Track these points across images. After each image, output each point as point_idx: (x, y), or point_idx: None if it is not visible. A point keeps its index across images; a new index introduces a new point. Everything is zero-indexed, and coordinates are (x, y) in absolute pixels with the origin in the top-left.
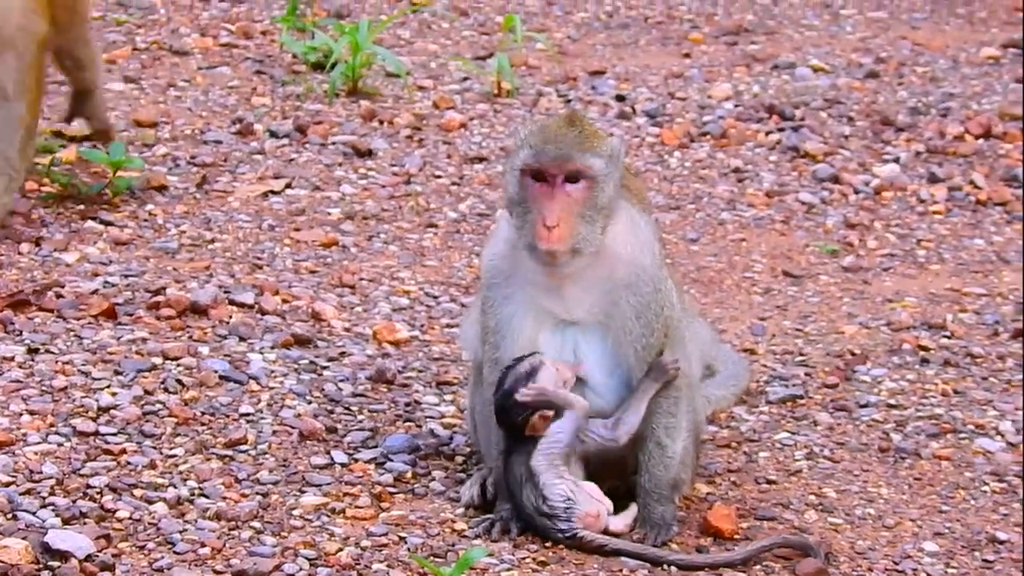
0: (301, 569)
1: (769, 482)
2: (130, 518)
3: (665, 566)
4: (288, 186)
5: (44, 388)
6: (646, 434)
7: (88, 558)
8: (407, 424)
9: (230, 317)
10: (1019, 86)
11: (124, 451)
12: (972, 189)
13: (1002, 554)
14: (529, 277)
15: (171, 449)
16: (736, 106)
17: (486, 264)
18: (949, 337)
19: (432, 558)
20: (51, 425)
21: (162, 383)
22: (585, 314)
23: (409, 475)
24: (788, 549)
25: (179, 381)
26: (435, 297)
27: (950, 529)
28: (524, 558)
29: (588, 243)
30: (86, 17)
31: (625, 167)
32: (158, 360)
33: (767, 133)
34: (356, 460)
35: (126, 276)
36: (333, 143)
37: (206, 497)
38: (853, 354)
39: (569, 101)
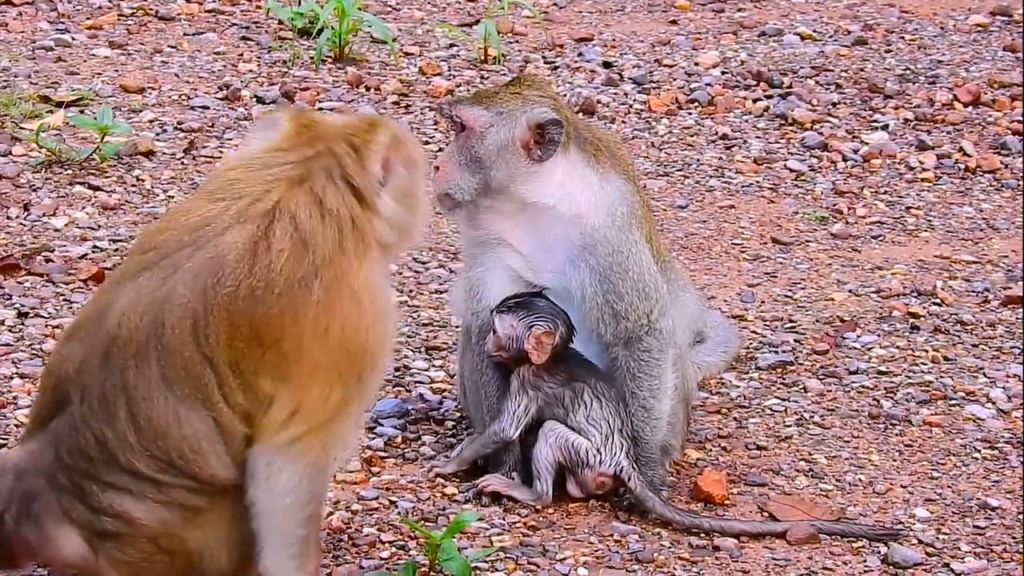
0: None
1: (759, 448)
2: None
3: (660, 529)
4: None
5: (34, 351)
6: (630, 398)
7: None
8: (397, 389)
9: None
10: (1008, 54)
11: None
12: (961, 156)
13: (993, 520)
14: (493, 237)
15: None
16: (723, 73)
17: (461, 227)
18: (939, 304)
19: (423, 522)
20: None
21: None
22: (550, 276)
23: (399, 439)
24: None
25: None
26: (424, 263)
27: (941, 496)
28: (515, 522)
29: (460, 192)
30: None
31: (599, 131)
32: None
33: (755, 100)
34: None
35: (114, 240)
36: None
37: None
38: (843, 321)
39: (556, 68)
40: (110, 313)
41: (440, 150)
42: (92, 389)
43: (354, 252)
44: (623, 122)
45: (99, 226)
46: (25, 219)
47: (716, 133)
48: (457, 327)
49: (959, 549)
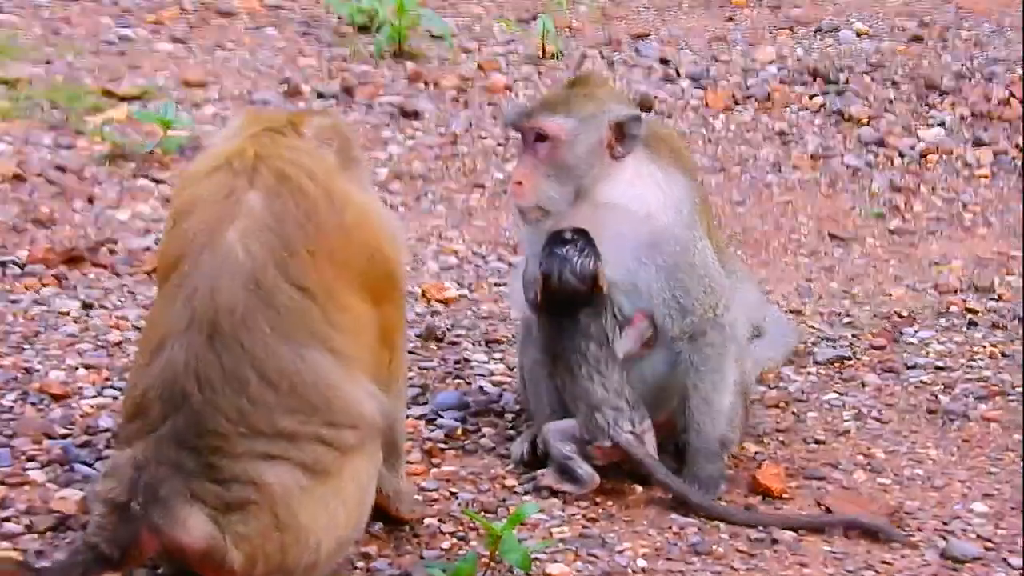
0: None
1: (817, 442)
2: None
3: (716, 522)
4: None
5: (99, 343)
6: (691, 391)
7: None
8: (457, 381)
9: None
10: None
11: None
12: (1018, 153)
13: None
14: None
15: None
16: (780, 69)
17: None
18: (996, 300)
19: (483, 513)
20: (106, 379)
21: None
22: (614, 274)
23: (459, 432)
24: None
25: None
26: (483, 256)
27: (999, 491)
28: (574, 514)
29: (554, 203)
30: None
31: (659, 128)
32: None
33: (811, 96)
34: (407, 416)
35: None
36: (380, 104)
37: None
38: (900, 316)
39: (613, 64)
40: (196, 300)
41: (499, 146)
42: (210, 373)
43: (335, 173)
44: (680, 118)
45: (162, 219)
46: (90, 212)
47: (773, 129)
48: (516, 321)
49: (1016, 544)
